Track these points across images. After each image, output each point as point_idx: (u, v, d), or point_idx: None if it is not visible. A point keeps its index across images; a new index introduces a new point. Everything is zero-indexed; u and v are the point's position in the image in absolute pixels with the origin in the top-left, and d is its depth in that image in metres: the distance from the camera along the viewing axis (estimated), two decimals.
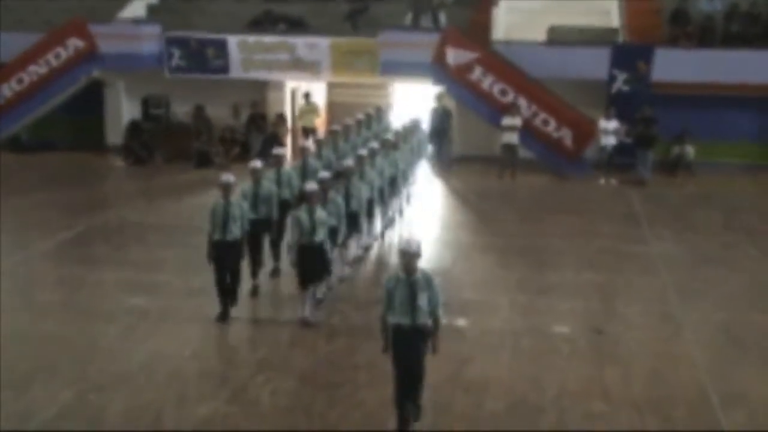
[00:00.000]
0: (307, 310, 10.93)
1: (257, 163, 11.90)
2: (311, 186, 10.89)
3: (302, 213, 10.71)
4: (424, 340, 8.09)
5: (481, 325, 11.09)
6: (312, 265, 10.81)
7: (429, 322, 8.04)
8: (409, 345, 8.04)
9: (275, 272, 12.71)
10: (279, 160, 12.71)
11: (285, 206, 12.31)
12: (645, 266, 13.85)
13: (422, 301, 7.93)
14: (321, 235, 10.76)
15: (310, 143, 14.69)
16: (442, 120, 21.14)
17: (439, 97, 21.23)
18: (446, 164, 21.05)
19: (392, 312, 8.02)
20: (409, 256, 7.91)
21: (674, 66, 19.84)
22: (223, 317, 11.06)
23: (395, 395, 8.21)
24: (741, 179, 20.44)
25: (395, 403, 8.22)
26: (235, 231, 10.90)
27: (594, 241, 15.18)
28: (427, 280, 8.02)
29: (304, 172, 13.11)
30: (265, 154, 16.61)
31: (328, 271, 11.29)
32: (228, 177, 10.98)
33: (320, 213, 10.78)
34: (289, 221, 11.76)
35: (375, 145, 14.20)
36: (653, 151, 20.11)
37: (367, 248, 14.01)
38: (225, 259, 10.96)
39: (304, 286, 10.88)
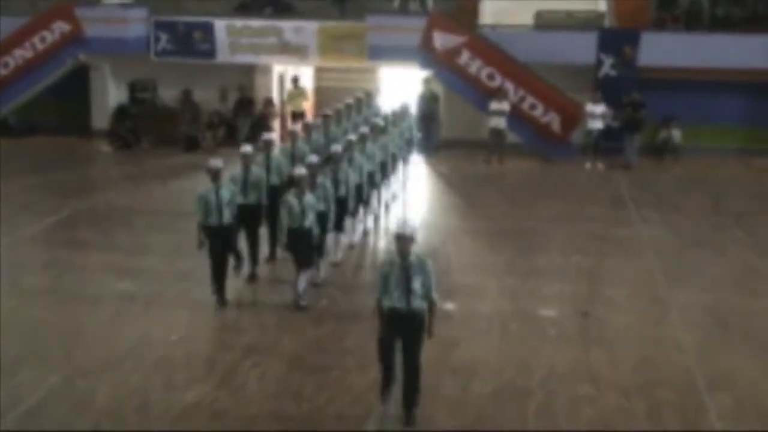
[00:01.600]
0: (299, 294, 10.94)
1: (247, 148, 11.84)
2: (300, 171, 10.88)
3: (291, 198, 10.72)
4: (420, 325, 8.12)
5: (468, 308, 11.12)
6: (301, 249, 10.83)
7: (424, 305, 8.07)
8: (405, 329, 8.07)
9: (271, 257, 12.72)
10: (268, 145, 12.66)
11: (274, 191, 12.26)
12: (632, 250, 13.90)
13: (416, 284, 7.96)
14: (310, 219, 10.77)
15: (298, 127, 14.64)
16: (429, 105, 21.11)
17: (426, 82, 21.19)
18: (434, 149, 21.02)
19: (387, 296, 8.03)
20: (403, 239, 7.94)
21: (661, 50, 19.83)
22: (223, 302, 11.06)
23: (381, 360, 8.24)
24: (727, 163, 20.50)
25: (381, 367, 8.25)
26: (228, 215, 10.88)
27: (581, 224, 15.22)
28: (422, 263, 8.04)
29: (293, 157, 13.08)
30: (252, 138, 16.55)
31: (320, 253, 11.32)
32: (217, 161, 10.94)
33: (309, 198, 10.79)
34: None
35: (365, 129, 14.16)
36: (640, 135, 20.15)
37: (363, 234, 14.04)
38: (220, 244, 10.94)
39: (300, 267, 10.92)
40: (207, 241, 10.90)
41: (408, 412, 8.26)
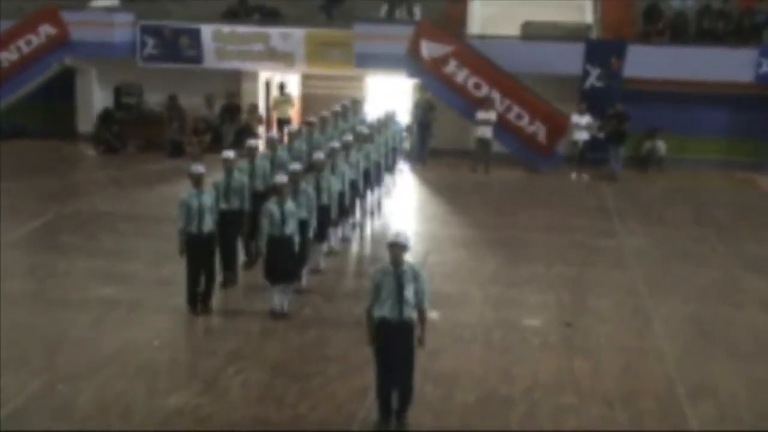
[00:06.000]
0: (276, 302, 10.91)
1: (230, 154, 11.81)
2: (281, 178, 10.85)
3: (272, 205, 10.68)
4: (410, 334, 8.13)
5: (452, 317, 11.12)
6: (281, 257, 10.77)
7: (415, 314, 8.09)
8: (396, 339, 8.07)
9: (247, 264, 12.68)
10: (252, 152, 12.64)
11: (258, 198, 12.24)
12: (616, 260, 13.97)
13: (409, 293, 7.98)
14: (291, 227, 10.74)
15: (275, 134, 14.66)
16: (425, 113, 21.07)
17: (423, 90, 21.18)
18: (425, 158, 21.02)
19: (379, 305, 8.03)
20: (397, 248, 7.96)
21: (646, 62, 19.97)
22: (196, 310, 10.98)
23: (377, 386, 8.24)
24: (711, 175, 20.63)
25: (377, 394, 8.26)
26: (210, 223, 10.84)
27: (566, 235, 15.27)
28: (415, 272, 8.07)
29: (272, 164, 13.02)
30: (238, 144, 16.52)
31: (297, 272, 11.20)
32: (198, 167, 10.89)
33: (290, 205, 10.75)
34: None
35: (349, 138, 14.15)
36: (625, 146, 20.25)
37: (341, 241, 14.00)
38: (200, 253, 10.88)
39: (272, 281, 10.87)
40: (186, 247, 10.85)
41: (400, 421, 8.27)
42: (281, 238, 10.68)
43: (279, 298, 10.93)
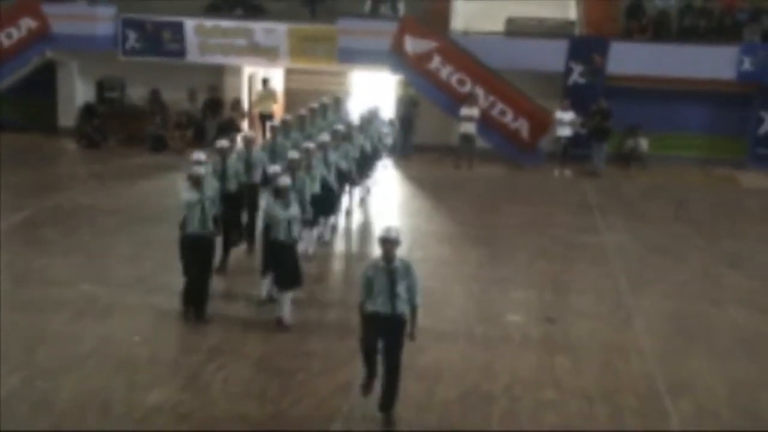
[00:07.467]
0: (285, 311, 10.51)
1: (200, 156, 11.35)
2: (284, 180, 10.38)
3: (278, 210, 10.27)
4: (401, 329, 8.17)
5: (435, 313, 11.09)
6: (288, 264, 10.46)
7: (407, 309, 8.12)
8: (387, 334, 8.11)
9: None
10: (223, 152, 12.20)
11: (230, 199, 11.85)
12: (597, 256, 14.01)
13: (401, 288, 8.02)
14: (296, 231, 10.50)
15: (252, 133, 14.48)
16: (408, 108, 21.07)
17: (406, 86, 21.17)
18: (408, 153, 21.00)
19: (371, 300, 8.06)
20: (388, 243, 8.00)
21: (629, 59, 20.05)
22: (189, 313, 10.62)
23: (363, 354, 8.29)
24: (692, 172, 20.74)
25: (363, 358, 8.31)
26: (210, 224, 10.44)
27: (548, 231, 15.31)
28: (406, 268, 8.12)
29: (248, 164, 12.72)
30: (220, 139, 16.34)
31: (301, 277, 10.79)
32: (199, 169, 10.44)
33: (293, 209, 10.39)
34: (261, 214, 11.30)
35: (326, 137, 13.87)
36: (608, 143, 20.32)
37: (319, 239, 13.86)
38: (200, 254, 10.49)
39: (285, 287, 10.48)
40: (185, 248, 10.45)
41: (386, 414, 8.30)
42: (286, 244, 10.33)
43: (288, 306, 10.54)
